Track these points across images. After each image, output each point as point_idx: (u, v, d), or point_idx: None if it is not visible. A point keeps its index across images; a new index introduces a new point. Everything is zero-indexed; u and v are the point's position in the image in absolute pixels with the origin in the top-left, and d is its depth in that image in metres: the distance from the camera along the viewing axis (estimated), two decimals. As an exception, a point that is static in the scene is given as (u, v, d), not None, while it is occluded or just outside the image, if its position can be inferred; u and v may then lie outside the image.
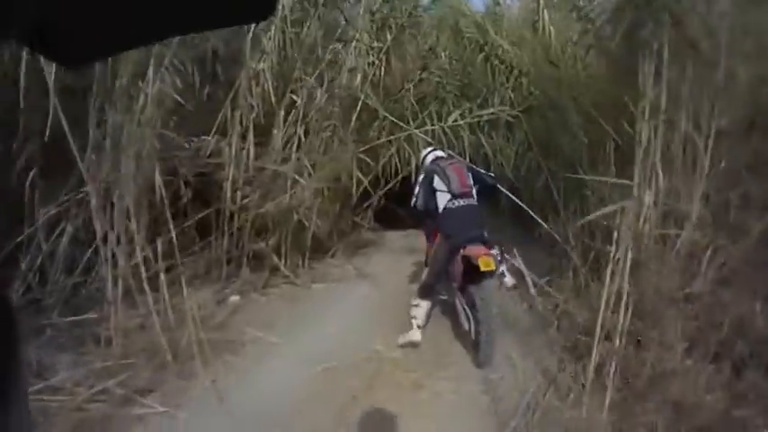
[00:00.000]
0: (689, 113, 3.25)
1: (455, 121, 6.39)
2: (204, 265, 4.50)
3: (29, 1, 0.31)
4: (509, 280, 3.49)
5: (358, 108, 6.07)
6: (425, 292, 3.67)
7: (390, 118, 6.32)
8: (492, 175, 4.01)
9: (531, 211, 5.03)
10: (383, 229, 7.36)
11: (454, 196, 3.49)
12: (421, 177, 3.74)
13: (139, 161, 3.37)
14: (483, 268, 3.14)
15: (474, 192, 3.58)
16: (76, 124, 3.10)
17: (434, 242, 3.60)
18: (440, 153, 4.07)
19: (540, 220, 4.89)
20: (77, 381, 2.71)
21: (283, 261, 5.03)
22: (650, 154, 3.25)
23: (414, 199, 3.70)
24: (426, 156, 4.02)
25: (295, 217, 5.04)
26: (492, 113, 6.52)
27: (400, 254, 6.21)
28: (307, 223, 5.14)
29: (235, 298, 4.53)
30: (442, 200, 3.51)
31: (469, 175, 3.64)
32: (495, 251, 3.31)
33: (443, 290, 3.75)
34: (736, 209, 3.11)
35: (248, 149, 4.76)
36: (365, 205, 6.73)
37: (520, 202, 5.38)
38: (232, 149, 4.64)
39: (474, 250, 3.27)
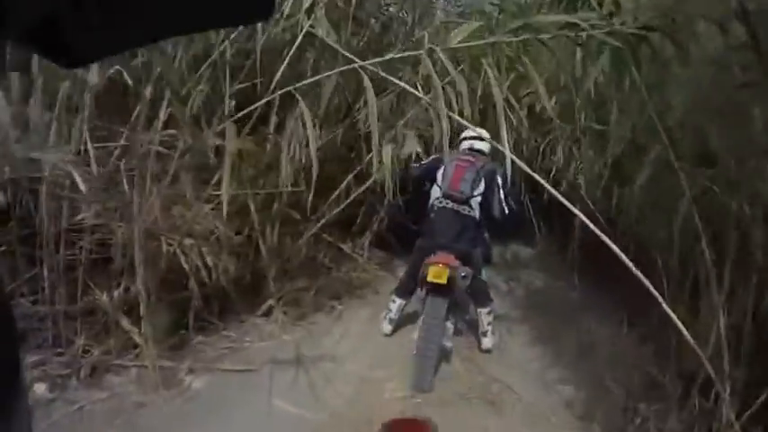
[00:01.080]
0: None
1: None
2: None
3: (28, 0, 0.31)
4: (488, 341, 3.30)
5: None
6: (399, 291, 3.38)
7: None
8: (511, 206, 3.24)
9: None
10: (389, 258, 4.82)
11: (444, 195, 3.20)
12: (431, 158, 3.44)
13: None
14: (429, 278, 2.88)
15: (475, 200, 3.18)
16: None
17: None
18: (479, 145, 3.36)
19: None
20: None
21: (139, 328, 2.75)
22: None
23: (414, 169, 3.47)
24: (461, 140, 3.43)
25: (165, 248, 2.80)
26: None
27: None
28: (187, 266, 2.85)
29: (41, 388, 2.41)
30: (434, 195, 3.27)
31: (478, 179, 3.20)
32: (463, 272, 2.94)
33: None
34: None
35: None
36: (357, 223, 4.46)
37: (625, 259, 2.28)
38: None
39: (433, 258, 2.99)
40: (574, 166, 4.73)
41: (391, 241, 4.67)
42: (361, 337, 3.51)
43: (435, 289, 2.91)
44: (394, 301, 3.35)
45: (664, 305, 2.17)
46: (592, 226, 2.44)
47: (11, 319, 0.36)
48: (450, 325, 3.09)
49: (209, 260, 2.81)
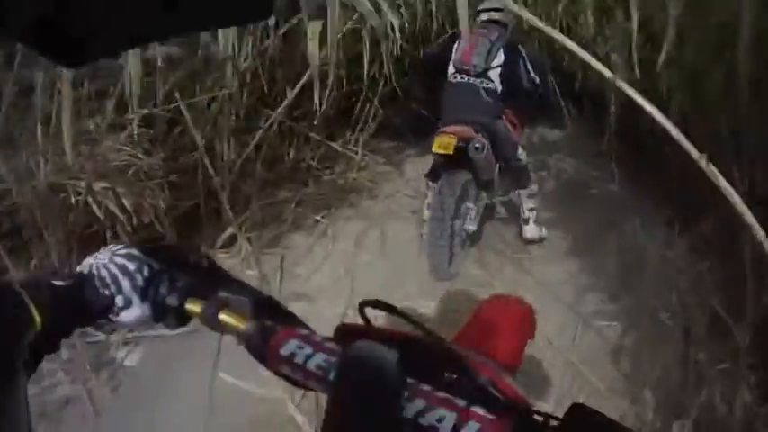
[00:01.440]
0: None
1: None
2: None
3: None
4: (531, 230, 3.07)
5: None
6: (431, 175, 2.90)
7: None
8: (536, 80, 2.92)
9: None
10: (399, 149, 4.16)
11: (456, 70, 2.94)
12: (447, 36, 3.43)
13: None
14: (434, 149, 2.67)
15: (493, 72, 2.86)
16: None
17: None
18: (496, 15, 3.03)
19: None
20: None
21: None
22: None
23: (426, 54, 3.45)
24: (478, 13, 3.09)
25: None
26: None
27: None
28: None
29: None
30: (449, 72, 2.98)
31: (494, 50, 2.87)
32: (477, 143, 2.64)
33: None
34: None
35: None
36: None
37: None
38: None
39: (442, 129, 2.75)
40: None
41: (401, 129, 4.05)
42: (348, 262, 2.92)
43: (447, 163, 2.70)
44: (428, 186, 3.04)
45: (734, 197, 1.48)
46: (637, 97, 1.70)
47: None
48: (471, 206, 2.86)
49: (126, 202, 2.15)
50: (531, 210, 3.07)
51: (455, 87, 2.93)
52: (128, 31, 0.37)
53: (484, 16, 3.07)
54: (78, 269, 0.61)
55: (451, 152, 2.63)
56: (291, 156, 3.53)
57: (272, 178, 3.37)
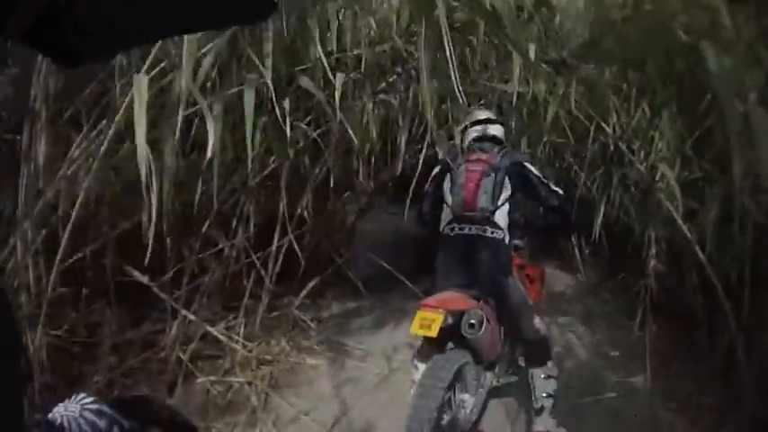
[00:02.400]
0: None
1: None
2: None
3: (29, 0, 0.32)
4: (543, 422, 2.12)
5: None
6: (419, 356, 2.12)
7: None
8: (559, 191, 2.22)
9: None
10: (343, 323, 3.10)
11: (455, 218, 2.22)
12: (436, 170, 2.38)
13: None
14: (413, 330, 1.95)
15: (500, 212, 2.16)
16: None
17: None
18: (492, 130, 2.35)
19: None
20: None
21: None
22: None
23: (420, 206, 2.44)
24: (467, 128, 2.40)
25: None
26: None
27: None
28: None
29: None
30: (444, 218, 2.28)
31: (500, 182, 2.18)
32: (473, 317, 1.98)
33: None
34: None
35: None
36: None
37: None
38: None
39: (427, 300, 2.04)
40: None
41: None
42: None
43: (436, 341, 2.01)
44: (417, 368, 2.17)
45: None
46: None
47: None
48: (466, 397, 2.11)
49: None
50: (547, 396, 2.18)
51: (452, 242, 2.23)
52: (127, 32, 0.37)
53: (474, 133, 2.37)
54: (49, 418, 0.60)
55: (435, 334, 1.92)
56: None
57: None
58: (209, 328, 2.58)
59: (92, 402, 0.61)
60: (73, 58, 0.37)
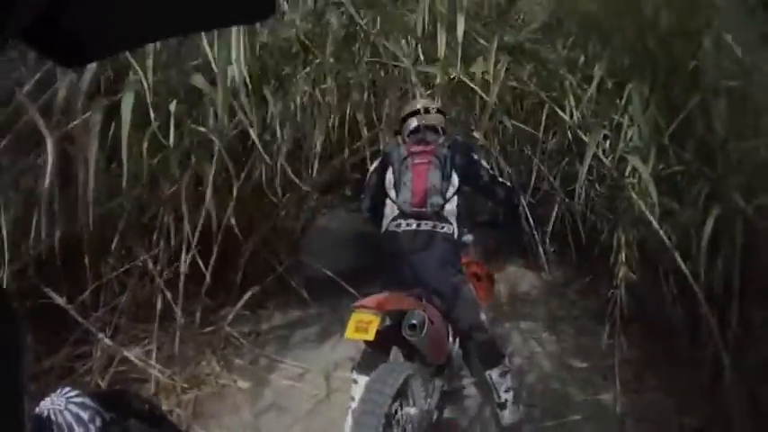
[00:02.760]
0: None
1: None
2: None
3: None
4: (509, 415, 2.08)
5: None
6: (361, 366, 1.98)
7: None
8: (509, 184, 2.24)
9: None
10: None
11: (401, 214, 2.06)
12: (375, 164, 2.23)
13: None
14: (348, 334, 1.73)
15: (449, 206, 2.05)
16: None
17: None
18: (432, 119, 2.17)
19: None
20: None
21: None
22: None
23: (362, 197, 2.32)
24: (405, 118, 2.24)
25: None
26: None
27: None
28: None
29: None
30: (388, 213, 2.10)
31: (447, 173, 2.05)
32: (414, 318, 1.76)
33: None
34: None
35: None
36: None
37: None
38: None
39: (362, 301, 1.79)
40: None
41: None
42: None
43: (378, 349, 1.86)
44: (356, 382, 2.02)
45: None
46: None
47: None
48: (413, 411, 1.85)
49: None
50: (506, 390, 2.12)
51: (398, 239, 2.07)
52: (127, 32, 0.37)
53: (414, 123, 2.19)
54: (36, 411, 0.65)
55: (371, 338, 1.73)
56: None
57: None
58: (125, 353, 2.28)
59: (76, 396, 0.68)
60: (73, 59, 0.37)
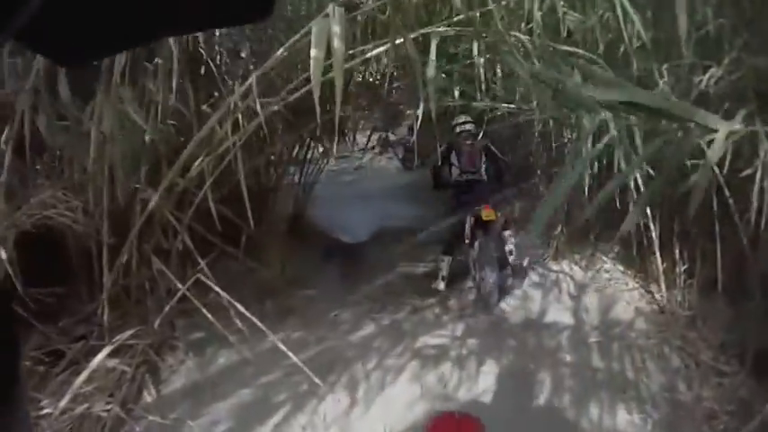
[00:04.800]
0: None
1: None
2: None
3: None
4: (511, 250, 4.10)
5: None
6: (445, 250, 4.14)
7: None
8: (506, 160, 4.68)
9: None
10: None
11: (463, 171, 4.19)
12: (443, 148, 4.20)
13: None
14: (484, 218, 3.84)
15: (483, 170, 4.19)
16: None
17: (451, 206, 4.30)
18: (470, 126, 4.25)
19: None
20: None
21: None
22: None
23: (434, 167, 4.35)
24: (455, 125, 4.28)
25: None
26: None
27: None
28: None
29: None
30: (455, 172, 4.22)
31: (483, 155, 4.22)
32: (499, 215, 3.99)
33: (459, 250, 4.14)
34: None
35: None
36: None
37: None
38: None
39: (479, 208, 3.90)
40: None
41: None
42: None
43: (486, 228, 3.93)
44: (443, 260, 4.11)
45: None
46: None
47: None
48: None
49: None
50: (511, 240, 4.18)
51: (467, 183, 4.16)
52: (127, 31, 0.36)
53: (459, 129, 4.23)
54: None
55: (495, 218, 3.87)
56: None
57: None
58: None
59: None
60: (73, 59, 0.37)
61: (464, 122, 4.22)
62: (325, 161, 5.17)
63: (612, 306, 3.57)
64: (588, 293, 3.79)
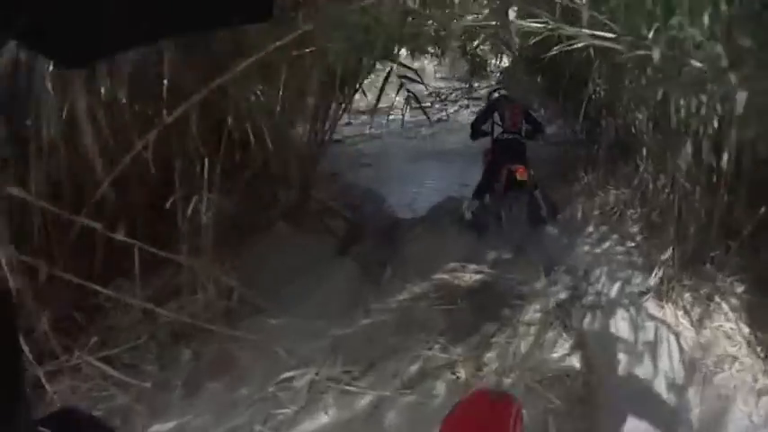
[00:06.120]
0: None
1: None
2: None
3: (28, 1, 0.32)
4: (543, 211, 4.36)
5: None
6: (477, 194, 4.56)
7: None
8: (542, 124, 5.04)
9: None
10: None
11: (505, 131, 4.65)
12: (485, 106, 5.23)
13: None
14: (519, 178, 4.24)
15: (523, 131, 4.68)
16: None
17: (487, 159, 4.73)
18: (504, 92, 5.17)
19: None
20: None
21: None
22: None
23: (475, 119, 4.96)
24: (492, 92, 5.61)
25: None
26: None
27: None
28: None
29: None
30: (497, 131, 4.68)
31: (524, 118, 4.72)
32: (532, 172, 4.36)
33: (490, 200, 4.57)
34: None
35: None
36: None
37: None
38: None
39: (514, 166, 4.31)
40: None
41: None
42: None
43: (518, 186, 4.30)
44: (474, 201, 4.52)
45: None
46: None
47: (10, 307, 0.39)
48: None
49: None
50: (542, 199, 4.42)
51: (507, 141, 4.62)
52: (128, 32, 0.36)
53: (496, 94, 5.27)
54: None
55: (527, 179, 4.25)
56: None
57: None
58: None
59: None
60: (74, 59, 0.36)
61: (502, 88, 5.39)
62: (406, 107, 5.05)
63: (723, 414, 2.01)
64: (693, 381, 2.18)
